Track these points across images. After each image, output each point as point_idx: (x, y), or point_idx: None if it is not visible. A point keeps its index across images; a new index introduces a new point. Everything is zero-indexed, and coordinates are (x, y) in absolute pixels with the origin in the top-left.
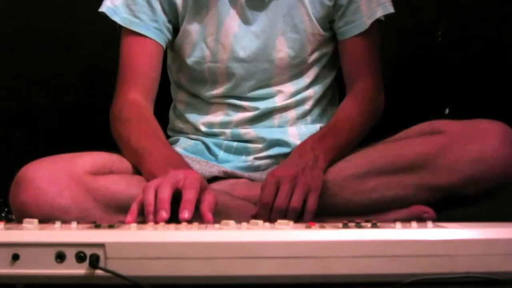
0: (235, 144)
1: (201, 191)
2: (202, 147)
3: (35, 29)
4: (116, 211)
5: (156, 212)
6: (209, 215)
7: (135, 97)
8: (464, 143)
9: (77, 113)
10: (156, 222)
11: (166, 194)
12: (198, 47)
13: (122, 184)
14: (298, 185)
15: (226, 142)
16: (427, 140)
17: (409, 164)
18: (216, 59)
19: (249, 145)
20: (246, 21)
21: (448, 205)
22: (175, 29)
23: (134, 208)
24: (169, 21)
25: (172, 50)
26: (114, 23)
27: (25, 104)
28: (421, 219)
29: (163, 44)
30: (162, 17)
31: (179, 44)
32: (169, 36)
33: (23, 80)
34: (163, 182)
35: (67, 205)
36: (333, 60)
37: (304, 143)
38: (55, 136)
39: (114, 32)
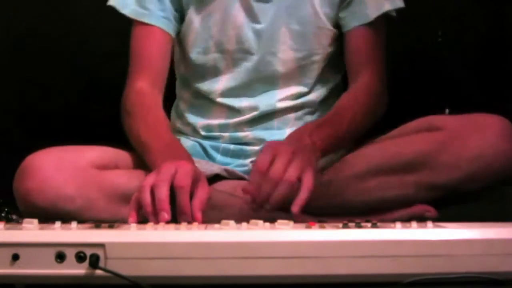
0: (231, 146)
1: (194, 183)
2: (200, 149)
3: (35, 29)
4: (119, 201)
5: (156, 212)
6: (198, 215)
7: (142, 86)
8: (463, 140)
9: (78, 113)
10: (156, 222)
11: (164, 194)
12: (202, 37)
13: (124, 177)
14: (295, 160)
15: (223, 145)
16: (425, 138)
17: (408, 163)
18: (220, 49)
19: (247, 147)
20: (251, 12)
21: (450, 202)
22: (182, 19)
23: (133, 208)
24: (176, 10)
25: (179, 42)
26: (117, 18)
27: (25, 104)
28: (423, 218)
29: (172, 33)
30: (169, 6)
31: (184, 34)
32: (178, 25)
33: (23, 80)
34: (159, 180)
35: (72, 194)
36: (339, 62)
37: (301, 129)
38: (55, 136)
39: (114, 31)
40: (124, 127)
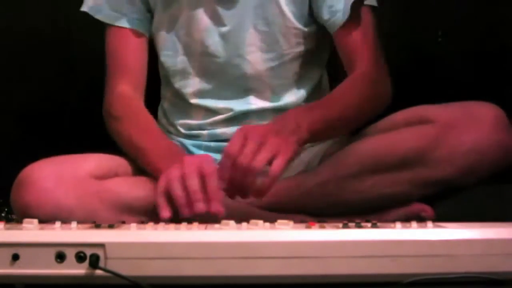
0: (212, 144)
1: None
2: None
3: (34, 30)
4: (120, 211)
5: (190, 203)
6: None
7: (123, 89)
8: (456, 133)
9: (78, 113)
10: (190, 214)
11: (196, 184)
12: (170, 40)
13: (125, 186)
14: (266, 145)
15: (204, 143)
16: (417, 133)
17: (403, 160)
18: (187, 52)
19: (226, 144)
20: (216, 15)
21: (449, 198)
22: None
23: (163, 202)
24: (148, 11)
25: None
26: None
27: (25, 104)
28: (420, 218)
29: (147, 34)
30: (141, 8)
31: (154, 37)
32: (151, 26)
33: (23, 80)
34: (188, 172)
35: (73, 206)
36: (318, 58)
37: (288, 112)
38: (55, 137)
39: None
40: (110, 132)
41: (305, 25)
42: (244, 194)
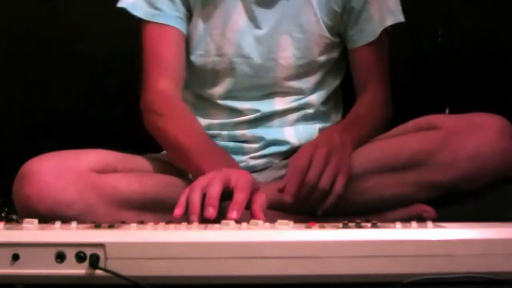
0: (231, 144)
1: (253, 192)
2: None
3: (35, 30)
4: (119, 206)
5: (203, 208)
6: (261, 215)
7: (165, 87)
8: (460, 138)
9: (78, 113)
10: (199, 222)
11: (215, 191)
12: (203, 40)
13: (123, 181)
14: (330, 165)
15: (222, 143)
16: (423, 137)
17: (407, 162)
18: (220, 53)
19: (245, 145)
20: (252, 17)
21: (449, 201)
22: (191, 19)
23: (183, 201)
24: (187, 10)
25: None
26: (117, 20)
27: (25, 104)
28: (421, 218)
29: (185, 32)
30: (181, 6)
31: (188, 36)
32: (188, 25)
33: (23, 80)
34: (214, 178)
35: (72, 199)
36: (339, 66)
37: (329, 131)
38: (56, 137)
39: (114, 32)
40: (149, 127)
41: (333, 35)
42: (308, 207)
